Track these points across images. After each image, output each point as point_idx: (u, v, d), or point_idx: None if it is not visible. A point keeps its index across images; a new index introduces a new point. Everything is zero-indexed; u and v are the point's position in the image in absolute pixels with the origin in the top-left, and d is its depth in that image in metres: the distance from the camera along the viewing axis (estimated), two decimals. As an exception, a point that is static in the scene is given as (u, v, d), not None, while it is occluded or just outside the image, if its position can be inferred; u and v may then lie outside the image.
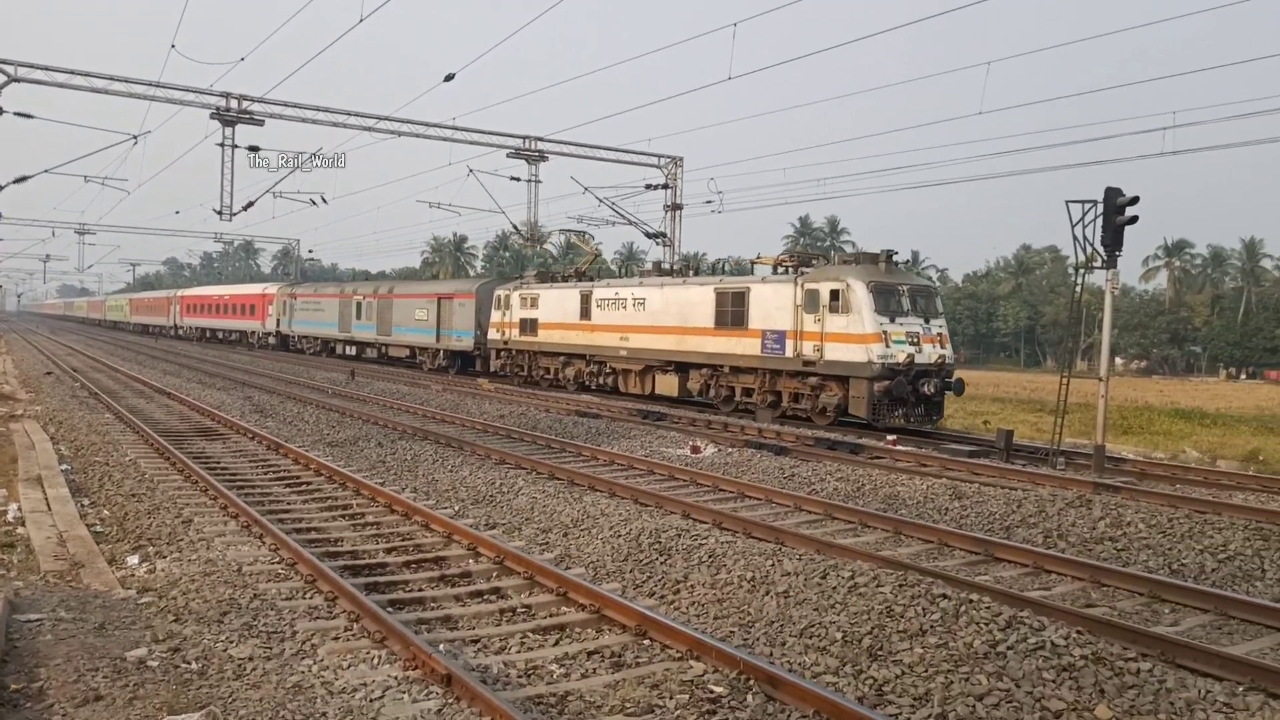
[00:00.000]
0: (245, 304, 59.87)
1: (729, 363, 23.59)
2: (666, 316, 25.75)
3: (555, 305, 30.57)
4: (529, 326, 31.56)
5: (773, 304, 22.14)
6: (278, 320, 54.78)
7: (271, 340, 55.47)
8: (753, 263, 25.75)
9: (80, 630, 7.03)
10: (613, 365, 28.01)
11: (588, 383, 29.13)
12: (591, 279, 31.60)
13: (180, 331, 70.84)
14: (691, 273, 28.79)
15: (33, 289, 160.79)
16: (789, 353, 21.61)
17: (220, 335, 64.45)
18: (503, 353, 33.31)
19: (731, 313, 23.48)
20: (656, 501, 12.47)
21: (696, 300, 24.71)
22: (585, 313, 29.06)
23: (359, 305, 44.89)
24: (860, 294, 20.31)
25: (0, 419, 20.17)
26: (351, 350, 46.50)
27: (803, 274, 22.07)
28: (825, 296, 20.85)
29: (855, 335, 20.21)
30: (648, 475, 14.99)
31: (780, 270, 23.38)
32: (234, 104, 29.20)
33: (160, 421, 20.12)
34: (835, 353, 20.55)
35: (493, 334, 33.76)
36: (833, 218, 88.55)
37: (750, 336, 22.73)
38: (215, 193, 31.01)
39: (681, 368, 25.34)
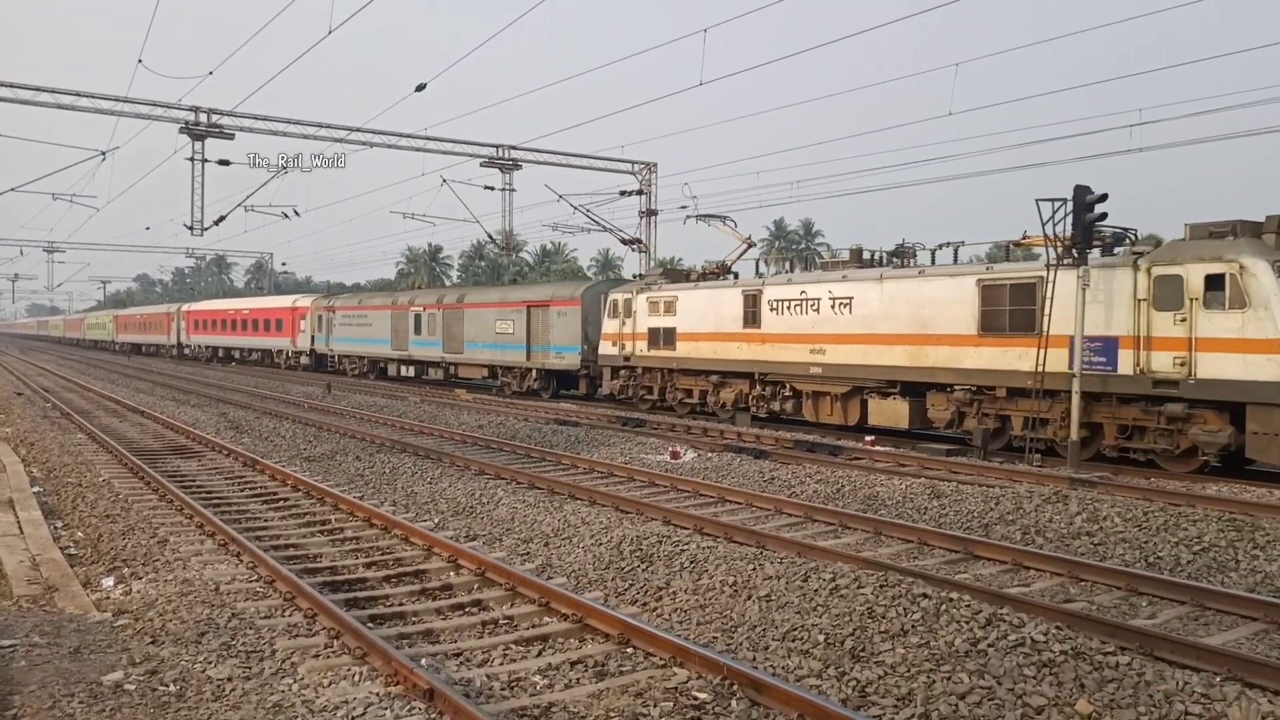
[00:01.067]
0: (270, 319, 51.96)
1: (1004, 382, 17.44)
2: (890, 321, 19.50)
3: (703, 310, 24.27)
4: (663, 338, 25.41)
5: (1091, 298, 15.74)
6: (312, 337, 47.25)
7: (304, 360, 48.29)
8: (1015, 245, 19.17)
9: (55, 655, 6.92)
10: (797, 386, 21.79)
11: (754, 408, 22.95)
12: (735, 276, 25.87)
13: (186, 351, 63.93)
14: (906, 261, 20.72)
15: (1, 309, 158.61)
16: (1125, 368, 15.56)
17: (237, 355, 57.50)
18: (622, 371, 27.20)
19: (1011, 313, 17.39)
20: (637, 508, 12.46)
21: (946, 297, 18.49)
22: (752, 318, 22.67)
23: (418, 318, 37.92)
24: (1266, 280, 14.14)
25: (-30, 442, 19.86)
26: (409, 371, 39.41)
27: (1140, 254, 15.84)
28: (1197, 285, 14.74)
29: (1260, 341, 14.15)
30: (628, 482, 14.97)
31: (1069, 255, 16.09)
32: (203, 118, 29.01)
33: (134, 440, 19.89)
34: (1218, 367, 14.48)
35: (606, 348, 27.59)
36: (807, 220, 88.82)
37: (1054, 346, 16.22)
38: (186, 208, 30.78)
39: (914, 389, 19.34)
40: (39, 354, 78.06)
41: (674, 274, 28.42)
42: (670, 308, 25.36)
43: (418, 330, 37.89)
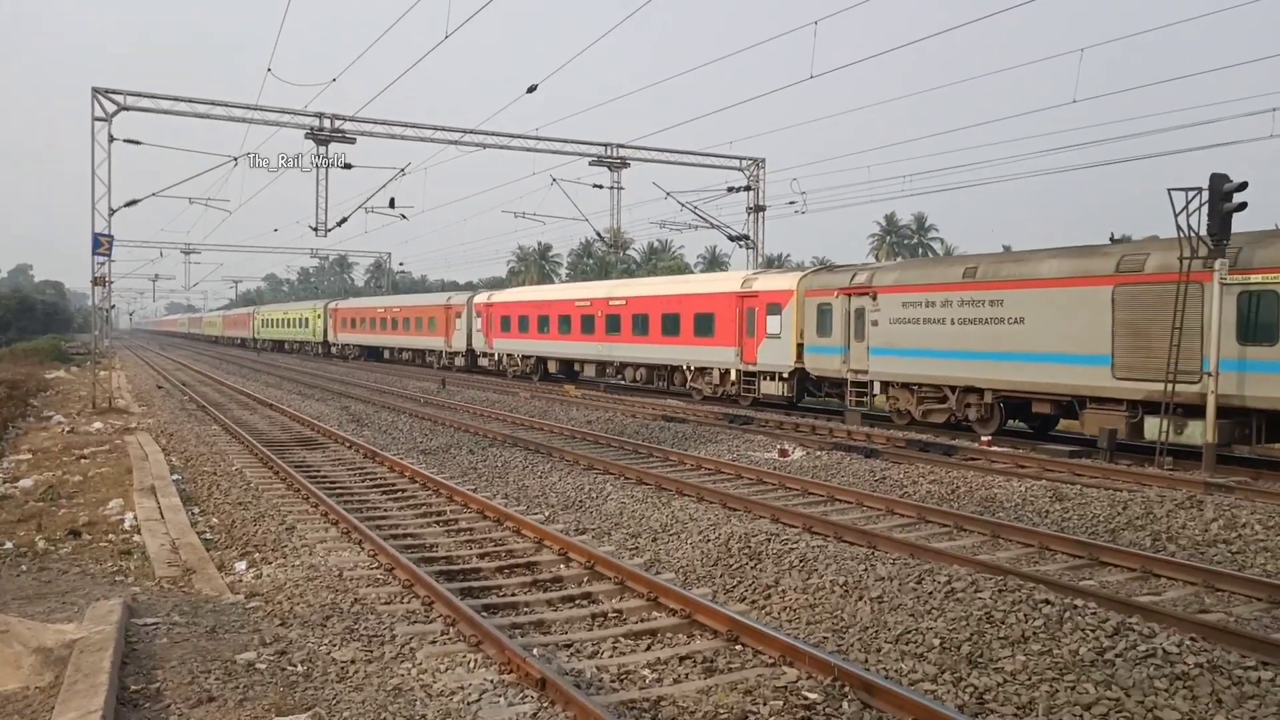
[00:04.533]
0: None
1: None
2: None
3: None
4: None
5: None
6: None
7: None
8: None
9: (193, 634, 7.34)
10: None
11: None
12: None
13: (333, 349, 62.56)
14: None
15: (143, 307, 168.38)
16: None
17: (386, 354, 55.51)
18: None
19: None
20: (745, 506, 12.39)
21: None
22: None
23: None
24: None
25: (115, 432, 21.24)
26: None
27: None
28: None
29: None
30: (735, 479, 14.91)
31: None
32: (327, 123, 30.18)
33: (263, 432, 20.89)
34: None
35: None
36: (920, 215, 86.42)
37: None
38: (311, 210, 32.08)
39: None
40: (175, 349, 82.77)
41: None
42: None
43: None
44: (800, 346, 23.79)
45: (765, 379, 25.33)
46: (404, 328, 50.55)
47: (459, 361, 44.43)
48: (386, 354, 55.37)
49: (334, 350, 62.40)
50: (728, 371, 26.81)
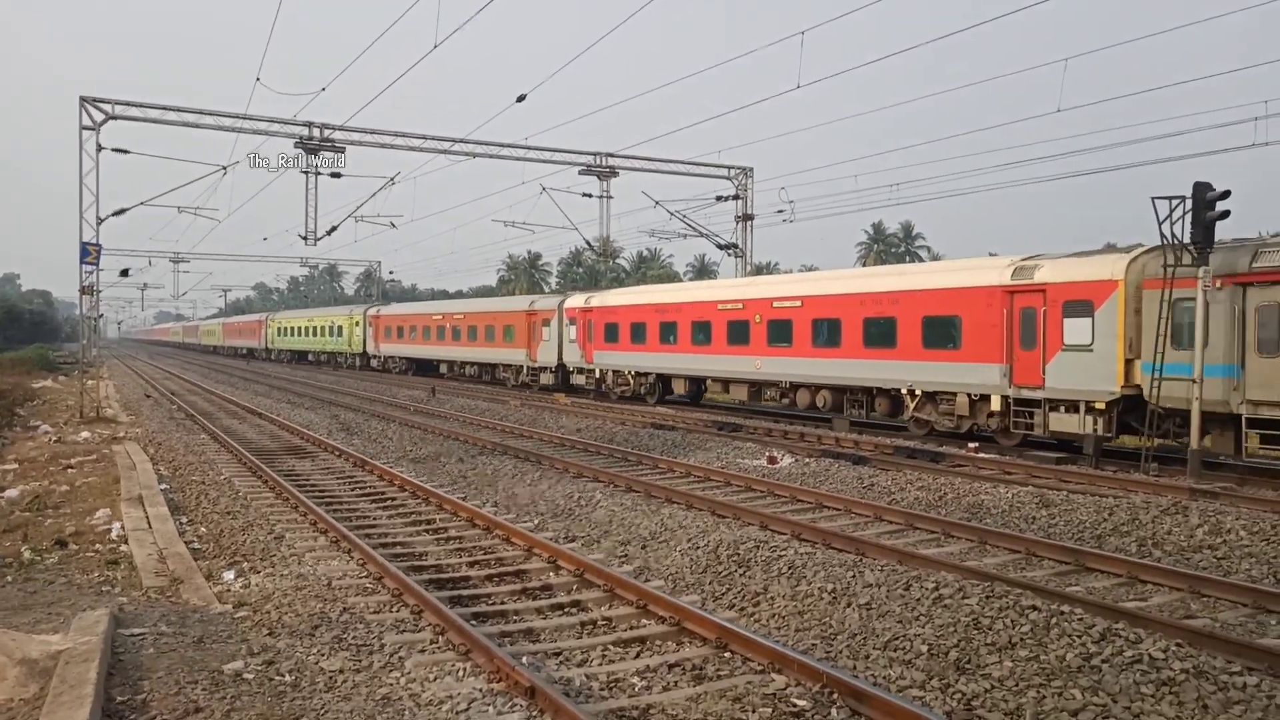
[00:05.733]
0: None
1: None
2: None
3: None
4: None
5: None
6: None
7: (547, 378, 35.77)
8: None
9: (180, 644, 7.31)
10: None
11: None
12: None
13: (374, 363, 54.72)
14: None
15: (132, 316, 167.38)
16: None
17: (444, 370, 46.65)
18: None
19: None
20: (734, 513, 12.41)
21: None
22: None
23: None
24: None
25: (103, 441, 21.13)
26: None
27: None
28: None
29: None
30: (725, 487, 14.93)
31: None
32: (316, 133, 30.15)
33: (252, 441, 20.82)
34: None
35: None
36: (907, 223, 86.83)
37: None
38: (300, 219, 32.01)
39: None
40: (164, 359, 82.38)
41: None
42: None
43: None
44: (1130, 363, 16.63)
45: (1057, 409, 17.63)
46: (469, 338, 42.64)
47: (545, 379, 36.09)
48: (443, 369, 46.71)
49: (375, 364, 54.78)
50: (984, 398, 19.10)
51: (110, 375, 49.83)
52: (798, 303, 23.99)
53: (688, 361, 28.05)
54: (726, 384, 26.91)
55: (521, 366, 37.90)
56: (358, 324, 56.77)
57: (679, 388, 29.31)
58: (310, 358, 66.66)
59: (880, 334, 21.39)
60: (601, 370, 32.54)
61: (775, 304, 24.71)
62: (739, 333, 25.63)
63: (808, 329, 23.40)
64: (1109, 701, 5.98)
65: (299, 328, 68.48)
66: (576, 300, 34.58)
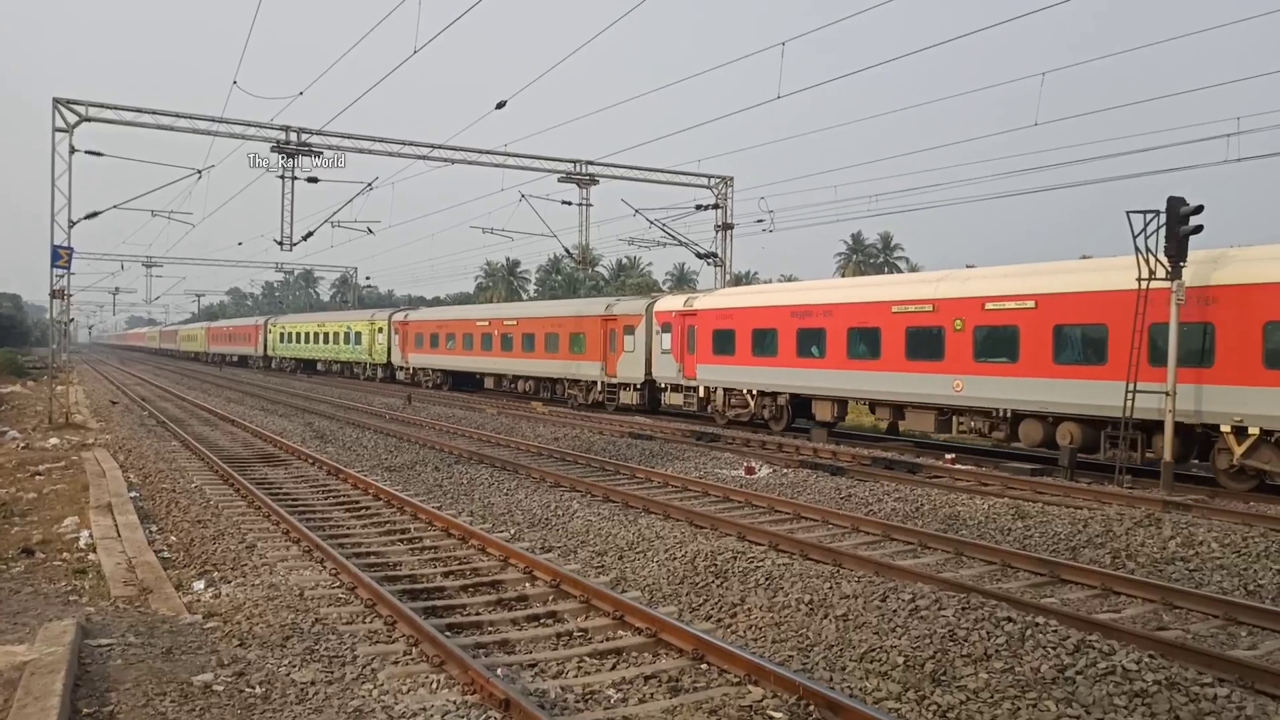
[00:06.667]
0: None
1: None
2: None
3: None
4: None
5: None
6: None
7: (630, 397, 30.26)
8: None
9: (149, 655, 7.18)
10: None
11: None
12: None
13: (401, 374, 47.33)
14: None
15: (103, 320, 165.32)
16: None
17: (490, 384, 40.32)
18: None
19: None
20: (712, 524, 12.39)
21: None
22: None
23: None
24: None
25: (72, 448, 20.82)
26: None
27: None
28: None
29: None
30: (702, 497, 14.91)
31: None
32: (293, 137, 29.96)
33: (225, 448, 20.59)
34: None
35: None
36: (886, 234, 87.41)
37: None
38: (276, 224, 31.80)
39: None
40: (136, 364, 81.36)
41: None
42: None
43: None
44: None
45: None
46: (524, 348, 36.09)
47: (626, 397, 30.40)
48: (489, 382, 40.31)
49: (402, 375, 47.23)
50: None
51: (80, 380, 49.17)
52: (1030, 303, 17.67)
53: (841, 380, 21.76)
54: (900, 409, 20.73)
55: (595, 382, 31.80)
56: (380, 330, 49.75)
57: (823, 412, 22.64)
58: (320, 367, 60.32)
59: (1194, 349, 15.12)
60: (707, 388, 26.38)
61: (989, 305, 18.48)
62: (927, 343, 19.69)
63: (1047, 339, 17.32)
64: (1083, 713, 6.01)
65: (307, 334, 60.79)
66: (672, 302, 28.67)
